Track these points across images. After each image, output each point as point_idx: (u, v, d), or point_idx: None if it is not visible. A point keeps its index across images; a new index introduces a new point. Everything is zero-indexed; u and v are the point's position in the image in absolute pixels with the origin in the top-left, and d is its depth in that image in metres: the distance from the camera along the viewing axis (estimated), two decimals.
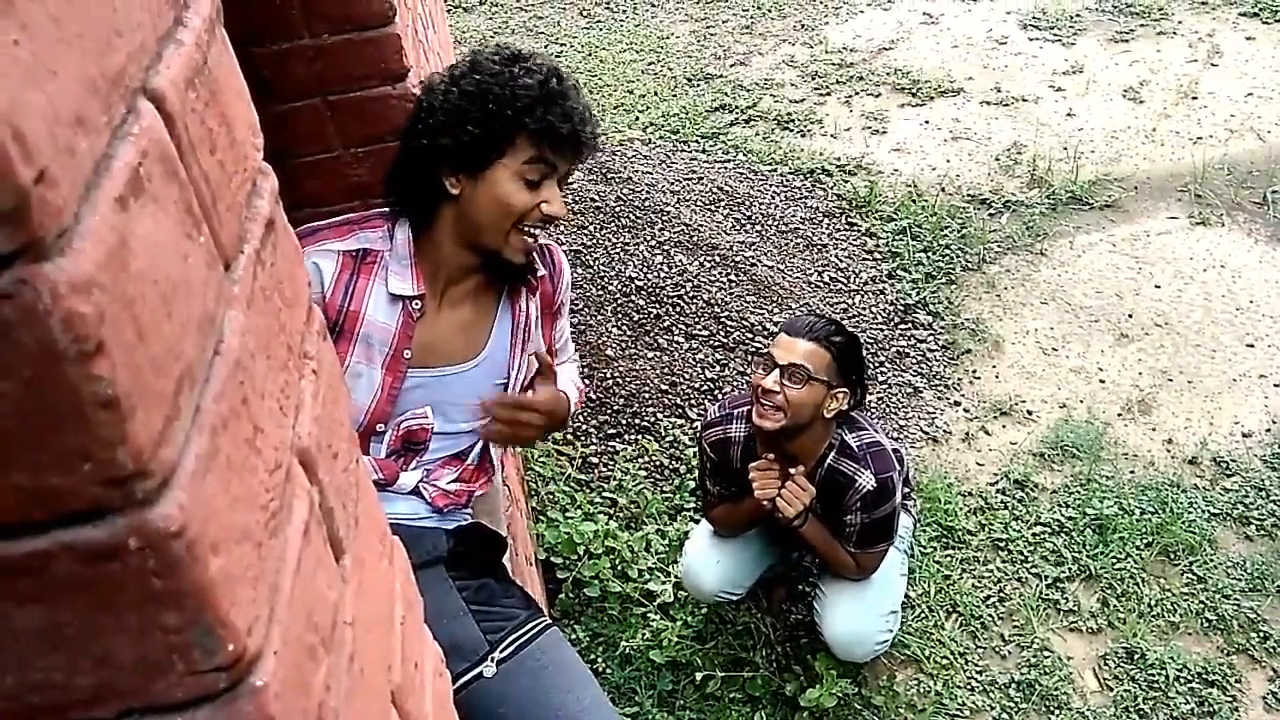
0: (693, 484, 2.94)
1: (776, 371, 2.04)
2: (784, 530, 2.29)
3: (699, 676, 2.47)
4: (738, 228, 3.90)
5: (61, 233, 0.32)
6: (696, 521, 2.66)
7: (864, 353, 2.22)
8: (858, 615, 2.30)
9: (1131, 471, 3.02)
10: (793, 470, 2.13)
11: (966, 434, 3.20)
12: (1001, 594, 2.70)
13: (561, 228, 3.67)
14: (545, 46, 5.79)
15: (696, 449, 2.48)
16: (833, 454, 2.16)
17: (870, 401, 3.26)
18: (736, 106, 4.94)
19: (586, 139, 1.46)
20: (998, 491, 2.99)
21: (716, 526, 2.43)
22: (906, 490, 2.43)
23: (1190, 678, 2.45)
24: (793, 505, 2.11)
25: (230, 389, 0.43)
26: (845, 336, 2.14)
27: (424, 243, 1.50)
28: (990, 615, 2.65)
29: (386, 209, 1.54)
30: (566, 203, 1.50)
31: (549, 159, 1.43)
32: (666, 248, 3.66)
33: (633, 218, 3.77)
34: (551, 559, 2.71)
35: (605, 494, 2.97)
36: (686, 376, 3.31)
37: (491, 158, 1.42)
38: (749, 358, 3.35)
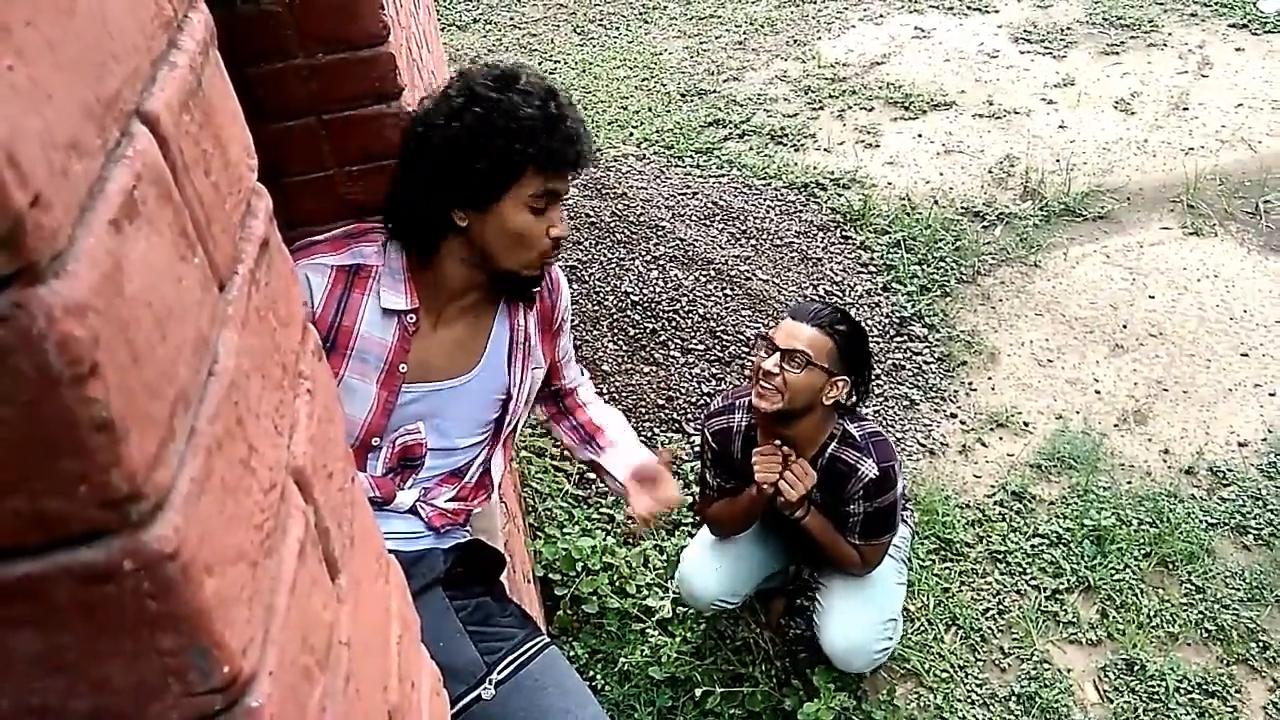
0: (690, 499, 2.93)
1: (777, 355, 2.05)
2: (785, 532, 2.28)
3: (698, 693, 2.46)
4: (732, 242, 3.91)
5: (56, 256, 0.33)
6: (694, 536, 2.65)
7: (869, 345, 2.20)
8: (856, 625, 2.29)
9: (1129, 482, 3.02)
10: (791, 456, 2.12)
11: (963, 446, 3.20)
12: (1000, 606, 2.70)
13: None
14: (539, 63, 5.81)
15: (699, 440, 2.47)
16: (834, 443, 2.16)
17: (866, 413, 3.26)
18: (730, 121, 4.96)
19: (587, 157, 1.46)
20: (995, 503, 2.98)
21: (712, 524, 2.41)
22: (904, 501, 2.43)
23: (1190, 689, 2.45)
24: (795, 489, 2.09)
25: (225, 410, 0.43)
26: (850, 325, 2.13)
27: (424, 264, 1.50)
28: (990, 628, 2.64)
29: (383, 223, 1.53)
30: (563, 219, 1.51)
31: (554, 184, 1.44)
32: (662, 263, 3.66)
33: (628, 233, 3.77)
34: (549, 575, 2.71)
35: (603, 509, 2.96)
36: (683, 391, 3.31)
37: (501, 191, 1.41)
38: (745, 372, 3.35)
